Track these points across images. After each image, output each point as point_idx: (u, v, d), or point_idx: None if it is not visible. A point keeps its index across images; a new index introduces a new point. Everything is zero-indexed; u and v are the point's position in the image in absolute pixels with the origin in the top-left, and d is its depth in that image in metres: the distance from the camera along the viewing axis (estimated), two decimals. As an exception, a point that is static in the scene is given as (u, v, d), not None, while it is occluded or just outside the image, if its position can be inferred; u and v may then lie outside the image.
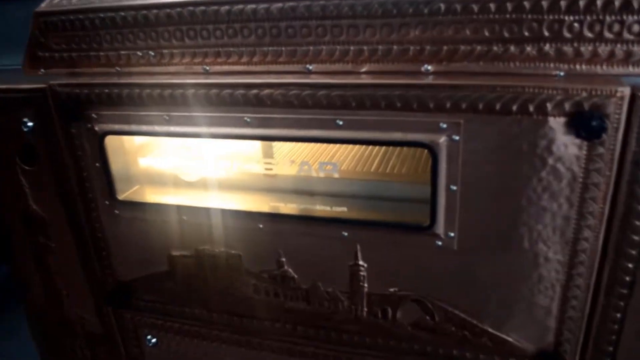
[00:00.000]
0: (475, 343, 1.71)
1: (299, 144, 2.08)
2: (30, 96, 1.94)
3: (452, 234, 1.57)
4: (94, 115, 1.87)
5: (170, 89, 1.72)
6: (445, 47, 1.47)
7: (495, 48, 1.46)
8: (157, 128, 1.81)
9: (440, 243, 1.52)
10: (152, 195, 2.04)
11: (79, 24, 1.86)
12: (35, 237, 2.22)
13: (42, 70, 2.00)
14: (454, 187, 1.43)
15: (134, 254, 2.05)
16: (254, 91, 1.61)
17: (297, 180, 1.87)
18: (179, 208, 1.92)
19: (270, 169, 1.88)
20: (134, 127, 1.85)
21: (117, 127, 1.87)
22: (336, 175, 1.76)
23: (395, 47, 1.55)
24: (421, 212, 1.60)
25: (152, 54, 1.84)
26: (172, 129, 1.79)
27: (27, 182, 2.14)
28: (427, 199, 1.56)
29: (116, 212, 2.01)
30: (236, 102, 1.56)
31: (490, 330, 1.69)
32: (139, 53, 1.86)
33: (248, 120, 1.58)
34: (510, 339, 1.69)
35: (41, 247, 2.24)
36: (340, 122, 1.49)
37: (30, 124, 2.01)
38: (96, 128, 1.89)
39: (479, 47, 1.47)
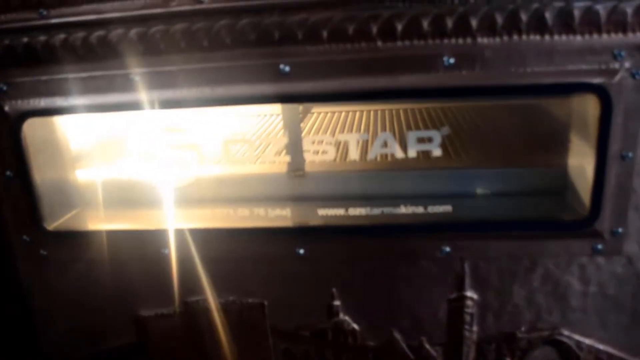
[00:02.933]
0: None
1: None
2: None
3: (619, 231, 1.05)
4: (2, 84, 1.07)
5: (140, 24, 0.98)
6: None
7: None
8: (118, 97, 1.05)
9: (600, 247, 1.07)
10: (103, 221, 1.27)
11: None
12: None
13: None
14: (630, 155, 0.98)
15: (74, 319, 1.20)
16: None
17: (344, 177, 1.16)
18: (156, 235, 1.13)
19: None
20: (73, 101, 1.07)
21: (43, 102, 1.08)
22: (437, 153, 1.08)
23: None
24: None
25: None
26: (147, 95, 1.03)
27: None
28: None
29: (42, 252, 1.17)
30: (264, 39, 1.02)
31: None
32: None
33: (286, 69, 1.03)
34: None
35: None
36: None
37: None
38: (6, 107, 1.08)
39: None
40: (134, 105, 1.13)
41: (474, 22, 1.01)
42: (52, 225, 1.25)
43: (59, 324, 1.31)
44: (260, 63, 1.07)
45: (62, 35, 1.11)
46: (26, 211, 1.22)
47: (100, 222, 1.29)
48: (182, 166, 1.21)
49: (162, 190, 1.24)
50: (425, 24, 1.02)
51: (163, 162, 1.22)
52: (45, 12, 1.16)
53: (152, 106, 1.11)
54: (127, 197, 1.32)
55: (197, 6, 1.06)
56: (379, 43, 1.03)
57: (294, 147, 1.19)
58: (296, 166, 1.20)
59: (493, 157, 1.26)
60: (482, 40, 1.01)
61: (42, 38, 1.11)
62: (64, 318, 1.30)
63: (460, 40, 1.02)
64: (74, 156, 1.35)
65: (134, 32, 1.09)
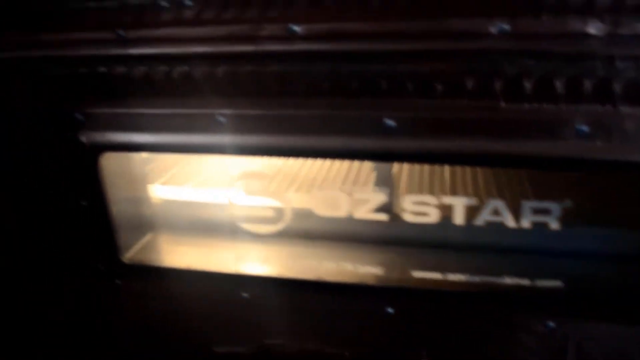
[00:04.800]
0: None
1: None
2: None
3: None
4: (79, 115, 0.99)
5: (230, 62, 0.94)
6: None
7: None
8: (201, 138, 0.95)
9: None
10: (179, 253, 1.21)
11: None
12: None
13: None
14: None
15: (145, 350, 1.18)
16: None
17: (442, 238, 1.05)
18: (236, 277, 1.06)
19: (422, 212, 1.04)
20: (153, 139, 0.98)
21: (121, 137, 0.99)
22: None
23: None
24: None
25: (189, 2, 0.98)
26: (233, 139, 0.93)
27: None
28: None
29: (117, 282, 1.12)
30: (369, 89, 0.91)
31: None
32: (163, 3, 0.99)
33: (391, 124, 0.92)
34: None
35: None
36: None
37: None
38: (83, 138, 1.00)
39: None
40: (218, 149, 1.04)
41: (616, 87, 0.86)
42: (127, 255, 1.20)
43: (129, 354, 1.28)
44: (362, 115, 0.95)
45: (142, 68, 1.01)
46: (101, 241, 1.17)
47: (177, 253, 1.22)
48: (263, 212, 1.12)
49: (242, 230, 1.16)
50: (558, 85, 0.88)
51: (244, 205, 1.13)
52: (123, 33, 1.06)
53: (237, 152, 1.02)
54: (203, 223, 1.25)
55: (293, 46, 0.94)
56: (502, 103, 0.90)
57: (390, 205, 1.08)
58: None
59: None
60: (625, 108, 0.87)
61: (122, 69, 1.02)
62: (134, 348, 1.27)
63: (598, 107, 0.87)
64: (147, 175, 1.28)
65: (221, 70, 0.98)
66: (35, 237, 1.20)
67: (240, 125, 0.99)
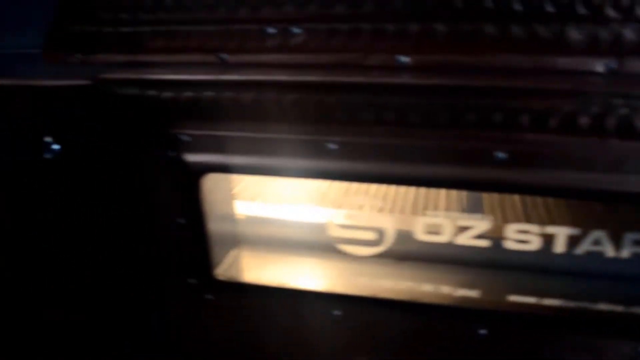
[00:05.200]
0: None
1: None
2: (59, 99, 1.13)
3: None
4: (184, 136, 1.01)
5: (339, 91, 0.98)
6: None
7: None
8: (306, 164, 0.98)
9: None
10: (266, 269, 1.26)
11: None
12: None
13: (79, 55, 1.12)
14: None
15: None
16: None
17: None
18: (328, 296, 1.10)
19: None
20: (262, 162, 1.01)
21: (230, 159, 1.03)
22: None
23: None
24: None
25: (297, 30, 1.01)
26: (341, 165, 0.96)
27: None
28: None
29: (208, 297, 1.15)
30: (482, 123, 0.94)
31: None
32: (269, 30, 1.02)
33: (503, 156, 0.96)
34: None
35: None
36: None
37: (54, 146, 1.17)
38: (188, 159, 1.03)
39: None
40: (326, 175, 1.07)
41: None
42: (217, 270, 1.22)
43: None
44: (473, 147, 0.98)
45: (250, 94, 1.04)
46: (195, 257, 1.19)
47: (263, 269, 1.25)
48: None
49: (338, 250, 1.19)
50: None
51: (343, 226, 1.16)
52: (226, 57, 1.09)
53: (347, 178, 1.05)
54: (289, 241, 1.28)
55: (400, 78, 0.97)
56: (614, 140, 0.93)
57: (494, 234, 1.11)
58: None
59: None
60: None
61: (228, 94, 1.05)
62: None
63: None
64: (235, 192, 1.31)
65: (332, 98, 1.01)
66: (129, 253, 1.22)
67: (351, 152, 1.02)
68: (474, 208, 1.18)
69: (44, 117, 1.17)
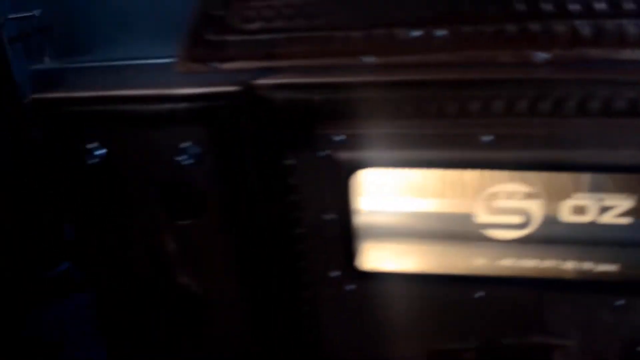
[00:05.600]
0: None
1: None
2: (201, 107, 1.18)
3: None
4: (338, 136, 1.08)
5: (500, 87, 1.07)
6: None
7: None
8: (459, 154, 1.06)
9: None
10: (401, 258, 1.34)
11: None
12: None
13: (217, 63, 1.18)
14: None
15: (365, 351, 1.34)
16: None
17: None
18: (471, 279, 1.18)
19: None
20: (416, 155, 1.08)
21: (380, 155, 1.10)
22: None
23: None
24: None
25: (442, 32, 1.09)
26: (498, 155, 1.04)
27: (177, 243, 1.29)
28: None
29: (348, 287, 1.22)
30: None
31: None
32: (414, 32, 1.10)
33: None
34: None
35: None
36: None
37: (195, 150, 1.21)
38: (341, 157, 1.10)
39: None
40: (476, 165, 1.15)
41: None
42: (357, 261, 1.29)
43: (350, 356, 1.37)
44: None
45: (400, 93, 1.11)
46: (341, 250, 1.26)
47: (399, 258, 1.33)
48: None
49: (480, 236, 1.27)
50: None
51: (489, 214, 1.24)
52: (369, 59, 1.16)
53: (501, 168, 1.13)
54: (420, 230, 1.35)
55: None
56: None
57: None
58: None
59: None
60: None
61: (379, 94, 1.12)
62: (355, 350, 1.36)
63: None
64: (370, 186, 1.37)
65: (489, 93, 1.09)
66: (275, 250, 1.28)
67: (506, 143, 1.10)
68: (598, 188, 1.27)
69: (191, 125, 1.22)
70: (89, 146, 1.27)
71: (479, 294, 1.24)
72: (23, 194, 1.86)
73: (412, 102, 1.11)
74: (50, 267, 2.01)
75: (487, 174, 1.24)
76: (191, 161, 1.25)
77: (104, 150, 1.26)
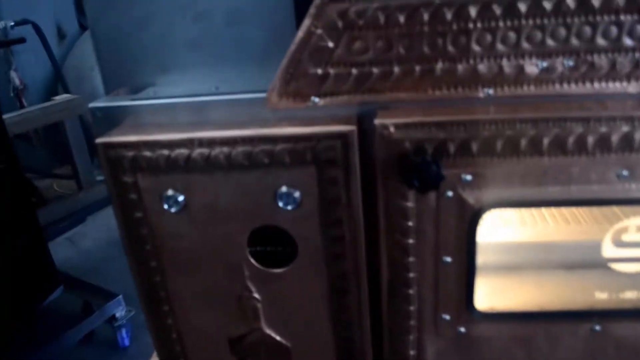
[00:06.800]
0: None
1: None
2: (306, 148, 1.09)
3: None
4: (466, 175, 1.03)
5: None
6: None
7: None
8: (598, 190, 1.02)
9: None
10: (510, 294, 1.29)
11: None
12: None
13: (315, 99, 1.08)
14: None
15: None
16: None
17: None
18: (586, 313, 1.15)
19: None
20: (549, 193, 1.04)
21: (510, 194, 1.04)
22: None
23: None
24: None
25: (569, 63, 1.04)
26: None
27: (268, 292, 1.20)
28: None
29: (460, 329, 1.16)
30: None
31: None
32: (535, 62, 1.04)
33: None
34: None
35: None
36: None
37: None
38: (470, 199, 1.03)
39: None
40: (612, 201, 1.10)
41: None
42: (471, 302, 1.22)
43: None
44: None
45: (528, 129, 1.05)
46: (457, 293, 1.19)
47: (508, 295, 1.27)
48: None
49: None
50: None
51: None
52: (491, 92, 1.09)
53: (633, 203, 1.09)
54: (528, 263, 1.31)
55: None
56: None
57: None
58: None
59: None
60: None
61: (506, 131, 1.06)
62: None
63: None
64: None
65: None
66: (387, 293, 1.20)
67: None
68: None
69: (293, 167, 1.11)
70: (170, 193, 1.13)
71: (597, 327, 1.20)
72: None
73: (550, 138, 1.04)
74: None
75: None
76: (293, 207, 1.14)
77: (182, 197, 1.13)
